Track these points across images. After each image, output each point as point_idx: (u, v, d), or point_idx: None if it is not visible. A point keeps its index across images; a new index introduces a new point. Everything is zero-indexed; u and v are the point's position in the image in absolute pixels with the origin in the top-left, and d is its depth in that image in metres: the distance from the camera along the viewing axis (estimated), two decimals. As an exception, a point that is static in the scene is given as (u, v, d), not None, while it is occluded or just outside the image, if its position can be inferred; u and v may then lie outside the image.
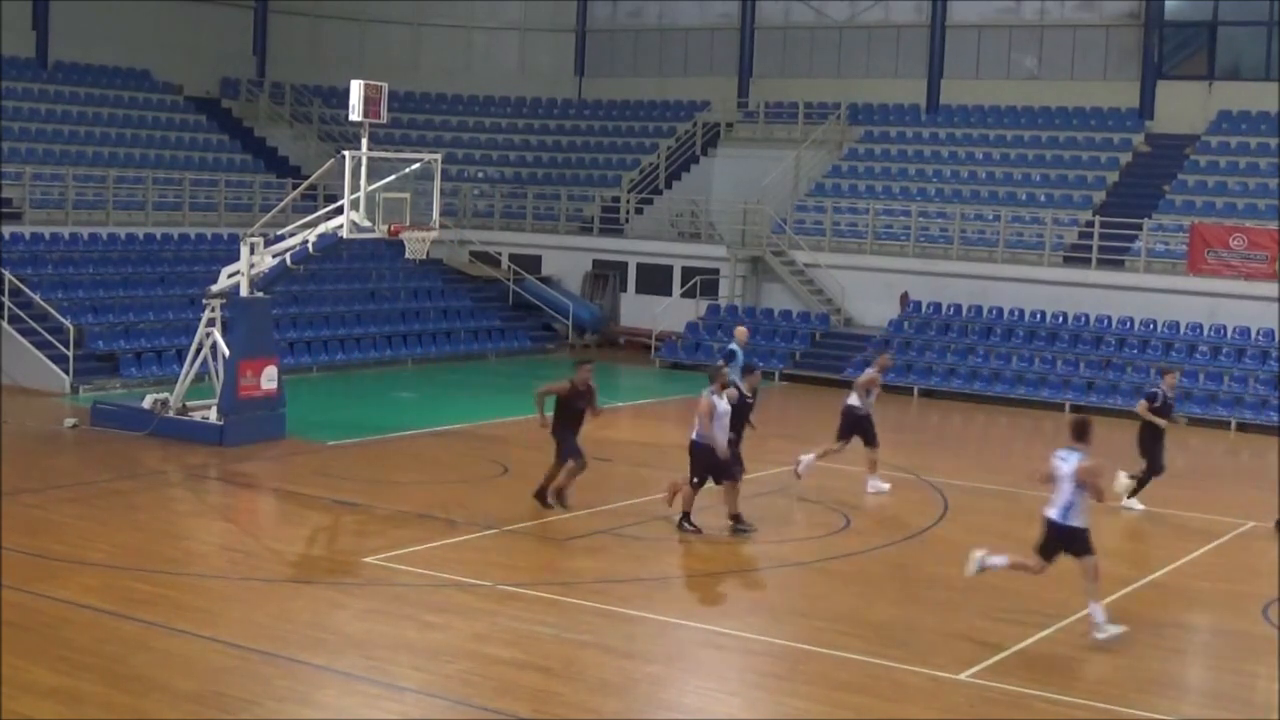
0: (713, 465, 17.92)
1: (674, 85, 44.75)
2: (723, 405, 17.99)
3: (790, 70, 43.46)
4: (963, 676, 12.99)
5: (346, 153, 22.41)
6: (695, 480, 18.04)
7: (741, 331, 24.07)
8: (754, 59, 43.91)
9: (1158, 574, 17.01)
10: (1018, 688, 12.74)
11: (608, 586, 15.64)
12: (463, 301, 37.66)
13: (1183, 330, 32.32)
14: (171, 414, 23.50)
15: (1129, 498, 20.67)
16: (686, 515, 18.13)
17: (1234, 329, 31.98)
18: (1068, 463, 14.00)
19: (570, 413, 18.96)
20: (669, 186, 41.66)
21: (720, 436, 17.94)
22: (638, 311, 38.71)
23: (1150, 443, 20.70)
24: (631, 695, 12.49)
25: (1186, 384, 29.83)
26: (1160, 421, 20.52)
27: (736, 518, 18.23)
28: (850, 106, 41.76)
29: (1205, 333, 32.19)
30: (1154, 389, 20.94)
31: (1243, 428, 29.81)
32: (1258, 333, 31.69)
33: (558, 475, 18.97)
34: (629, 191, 41.10)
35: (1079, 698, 12.59)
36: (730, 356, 22.06)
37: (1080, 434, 14.22)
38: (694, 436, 18.05)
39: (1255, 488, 22.73)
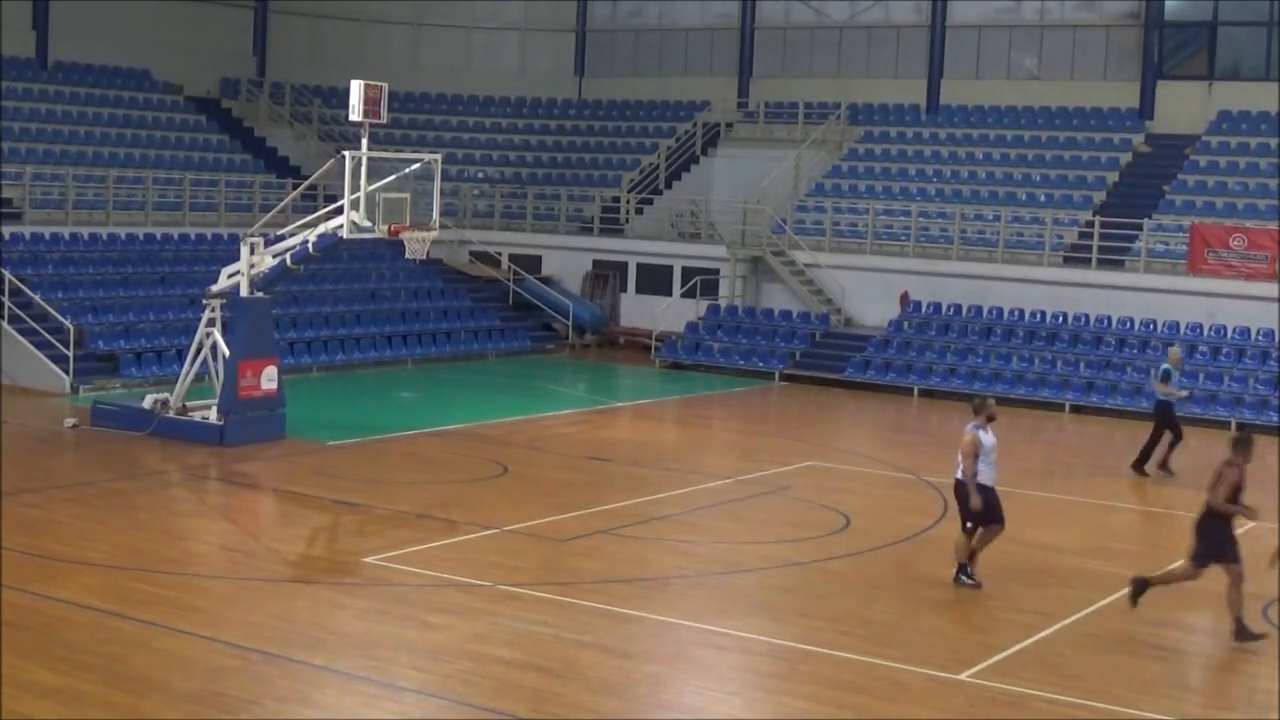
0: (979, 507, 15.90)
1: (674, 85, 44.79)
2: (988, 440, 16.02)
3: (790, 70, 43.50)
4: (963, 677, 13.00)
5: (346, 153, 22.43)
6: (966, 525, 16.20)
7: (1175, 352, 25.19)
8: (754, 59, 43.94)
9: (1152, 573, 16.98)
10: (1018, 687, 12.75)
11: (608, 586, 15.65)
12: (463, 302, 37.67)
13: (1183, 330, 32.30)
14: (172, 414, 23.52)
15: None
16: (963, 567, 16.19)
17: (1234, 329, 31.99)
18: None
19: None
20: (669, 187, 41.67)
21: (986, 473, 15.96)
22: (638, 311, 38.75)
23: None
24: (631, 695, 12.50)
25: (1186, 384, 29.83)
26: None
27: (964, 566, 16.24)
28: (850, 107, 41.79)
29: (1205, 333, 32.19)
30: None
31: (1242, 428, 29.81)
32: (1257, 333, 31.70)
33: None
34: (629, 192, 41.11)
35: (1078, 697, 12.59)
36: (1166, 376, 23.72)
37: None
38: (958, 476, 16.11)
39: (1255, 489, 22.66)
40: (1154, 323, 32.66)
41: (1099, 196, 37.16)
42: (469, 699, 12.03)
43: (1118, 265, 34.44)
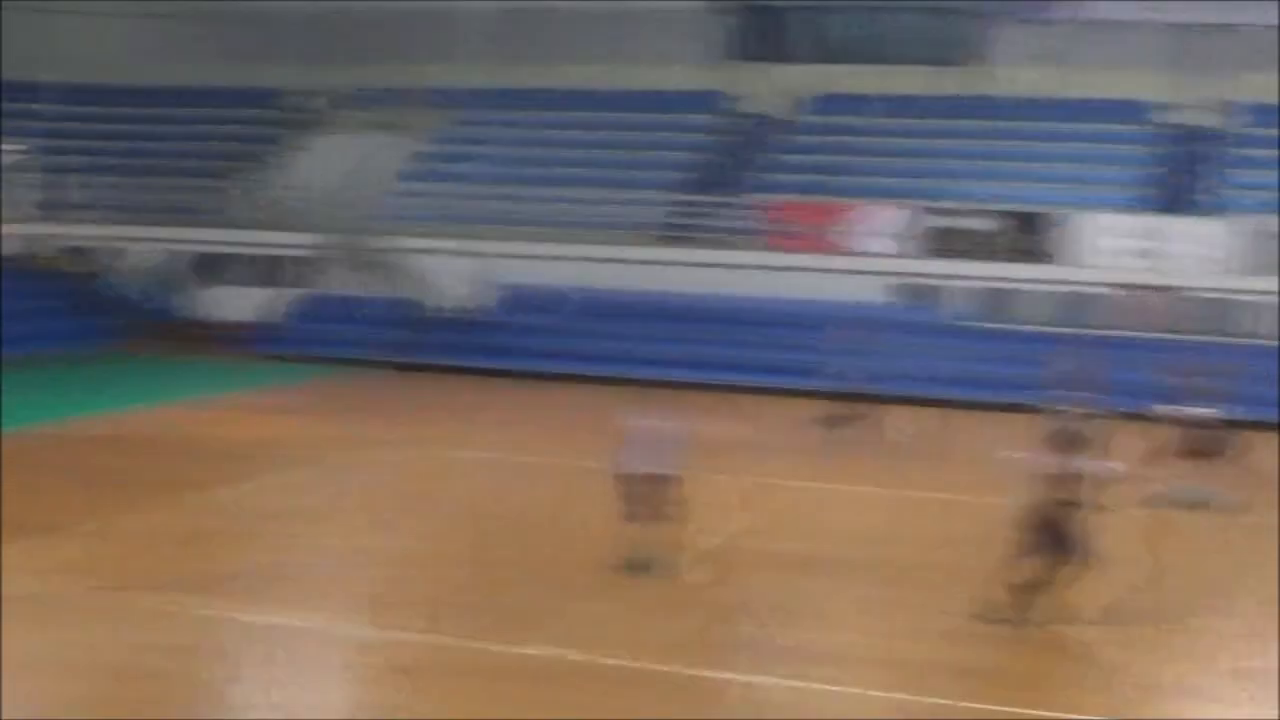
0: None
1: (264, 73, 43.29)
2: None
3: (382, 56, 42.72)
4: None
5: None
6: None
7: None
8: (347, 45, 42.93)
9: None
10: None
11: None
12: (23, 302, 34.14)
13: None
14: None
15: None
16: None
17: (809, 300, 33.53)
18: None
19: None
20: (269, 173, 40.49)
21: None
22: (228, 302, 37.56)
23: None
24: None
25: (773, 357, 31.41)
26: None
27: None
28: (437, 92, 41.30)
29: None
30: None
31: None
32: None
33: None
34: (221, 179, 39.76)
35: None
36: None
37: None
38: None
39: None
40: (737, 297, 33.91)
41: (685, 176, 38.06)
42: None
43: (707, 243, 35.41)
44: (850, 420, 24.78)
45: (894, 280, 33.45)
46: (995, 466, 17.14)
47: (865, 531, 18.99)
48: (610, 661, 12.80)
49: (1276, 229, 31.31)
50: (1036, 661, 13.67)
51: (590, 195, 36.96)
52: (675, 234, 35.70)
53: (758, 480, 21.23)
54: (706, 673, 12.75)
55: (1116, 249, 32.02)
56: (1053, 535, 13.84)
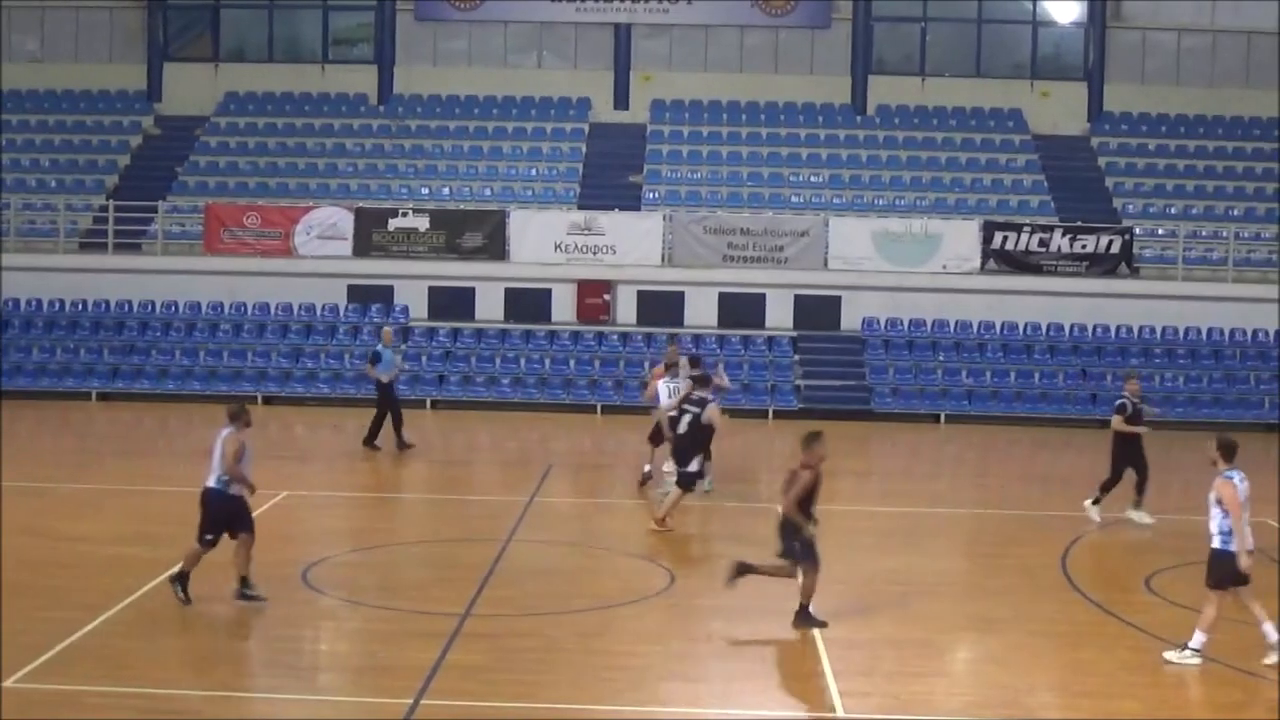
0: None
1: None
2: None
3: None
4: (8, 684, 12.08)
5: None
6: (206, 538, 14.57)
7: (387, 332, 25.73)
8: None
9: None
10: (68, 685, 12.09)
11: None
12: None
13: (204, 310, 32.60)
14: None
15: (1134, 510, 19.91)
16: (186, 576, 14.57)
17: (254, 305, 32.68)
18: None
19: None
20: None
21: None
22: None
23: (1128, 450, 19.75)
24: None
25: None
26: (1138, 429, 19.71)
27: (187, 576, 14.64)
28: None
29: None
30: (1121, 399, 19.92)
31: (330, 402, 30.71)
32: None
33: None
34: None
35: (131, 685, 12.16)
36: (376, 358, 24.27)
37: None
38: (209, 483, 14.47)
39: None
40: (175, 304, 32.69)
41: (111, 180, 36.51)
42: None
43: (135, 249, 34.00)
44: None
45: (346, 282, 32.92)
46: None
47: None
48: None
49: (701, 222, 32.98)
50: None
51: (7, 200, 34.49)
52: (99, 240, 33.75)
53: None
54: None
55: (558, 244, 32.73)
56: None
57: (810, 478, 13.80)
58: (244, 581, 14.49)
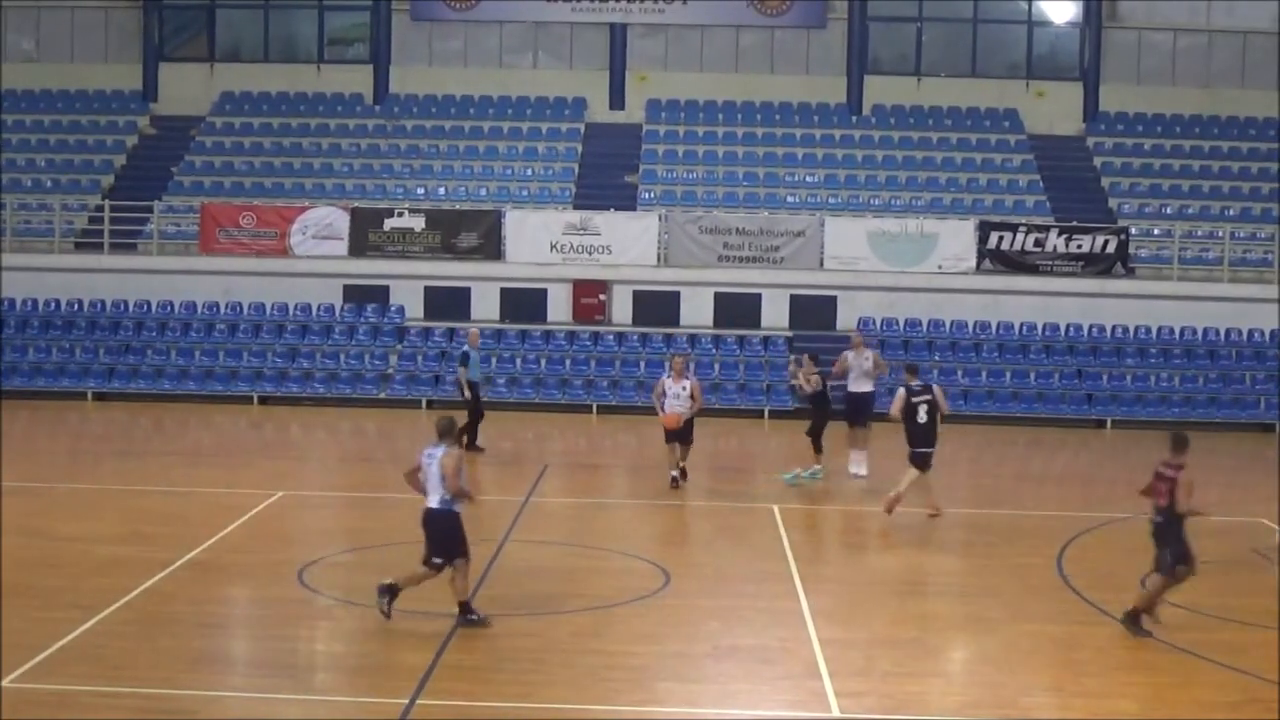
0: None
1: None
2: None
3: None
4: (4, 684, 12.07)
5: None
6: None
7: (474, 333, 25.21)
8: None
9: (195, 553, 16.88)
10: (62, 686, 12.08)
11: None
12: None
13: (200, 310, 32.63)
14: None
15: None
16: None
17: (250, 305, 32.70)
18: None
19: None
20: None
21: None
22: None
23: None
24: None
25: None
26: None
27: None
28: None
29: (202, 309, 32.67)
30: (465, 349, 22.68)
31: (346, 402, 30.67)
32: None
33: None
34: None
35: (126, 686, 12.15)
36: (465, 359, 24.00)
37: None
38: None
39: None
40: (171, 304, 32.68)
41: (107, 180, 36.48)
42: None
43: (130, 249, 33.97)
44: None
45: (342, 282, 32.92)
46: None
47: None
48: None
49: (696, 222, 32.97)
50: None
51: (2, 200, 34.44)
52: (94, 240, 33.72)
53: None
54: None
55: (553, 244, 32.72)
56: None
57: (1188, 479, 13.78)
58: (465, 607, 13.95)
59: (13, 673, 12.27)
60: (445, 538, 13.83)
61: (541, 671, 12.78)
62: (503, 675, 12.63)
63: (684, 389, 21.30)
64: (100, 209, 34.18)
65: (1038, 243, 32.52)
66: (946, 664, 13.70)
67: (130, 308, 32.66)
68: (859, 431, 22.79)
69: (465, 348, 24.89)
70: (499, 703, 11.92)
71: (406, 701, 11.83)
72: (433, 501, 13.84)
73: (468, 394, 24.31)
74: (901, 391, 19.87)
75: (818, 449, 22.25)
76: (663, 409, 21.33)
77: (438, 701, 11.93)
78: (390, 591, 13.89)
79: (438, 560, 13.85)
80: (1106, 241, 32.64)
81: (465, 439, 23.75)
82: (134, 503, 19.99)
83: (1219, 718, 12.07)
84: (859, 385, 22.89)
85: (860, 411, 22.83)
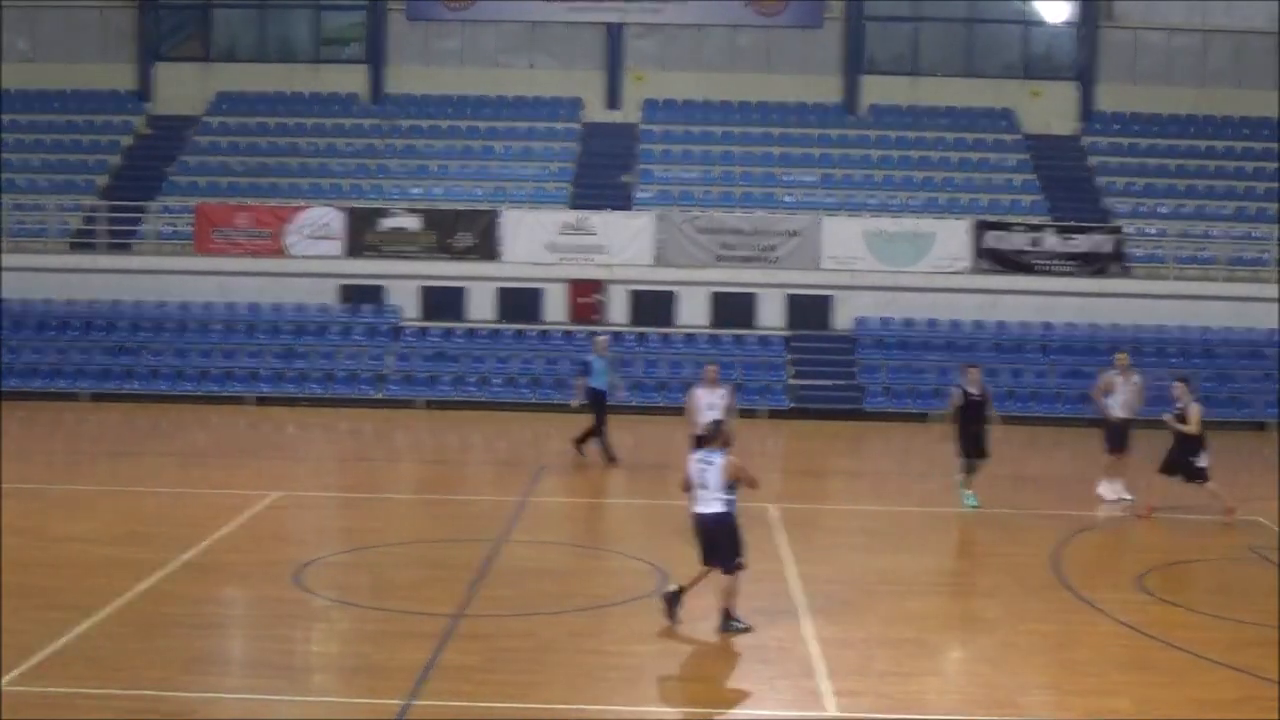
0: None
1: None
2: None
3: None
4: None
5: None
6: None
7: (602, 341, 24.51)
8: None
9: (192, 553, 16.85)
10: (60, 688, 12.05)
11: None
12: None
13: (196, 310, 32.60)
14: None
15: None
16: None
17: (246, 305, 32.69)
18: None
19: None
20: None
21: None
22: None
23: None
24: None
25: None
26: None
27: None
28: None
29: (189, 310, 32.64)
30: (590, 358, 23.34)
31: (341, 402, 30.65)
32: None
33: None
34: None
35: (122, 687, 12.13)
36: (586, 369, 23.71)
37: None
38: None
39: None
40: (167, 304, 32.67)
41: (102, 180, 36.45)
42: None
43: (126, 249, 33.94)
44: None
45: (338, 282, 32.92)
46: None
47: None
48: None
49: (693, 222, 32.95)
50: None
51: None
52: (90, 240, 33.70)
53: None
54: None
55: (550, 243, 32.72)
56: None
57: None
58: (728, 614, 13.91)
59: (8, 674, 12.23)
60: (728, 540, 13.84)
61: (538, 671, 12.76)
62: (499, 675, 12.61)
63: (720, 398, 20.68)
64: (95, 209, 34.15)
65: (1033, 242, 32.54)
66: (944, 663, 13.68)
67: (126, 308, 32.64)
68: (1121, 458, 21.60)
69: (589, 356, 24.42)
70: (496, 703, 11.90)
71: (403, 702, 11.81)
72: (713, 506, 13.86)
73: (582, 400, 23.98)
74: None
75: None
76: (695, 421, 20.69)
77: (434, 702, 11.90)
78: (676, 598, 14.08)
79: (739, 560, 13.86)
80: (1102, 241, 32.64)
81: (579, 443, 23.90)
82: (130, 503, 19.95)
83: (1216, 716, 12.06)
84: (1125, 411, 21.49)
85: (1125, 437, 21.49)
